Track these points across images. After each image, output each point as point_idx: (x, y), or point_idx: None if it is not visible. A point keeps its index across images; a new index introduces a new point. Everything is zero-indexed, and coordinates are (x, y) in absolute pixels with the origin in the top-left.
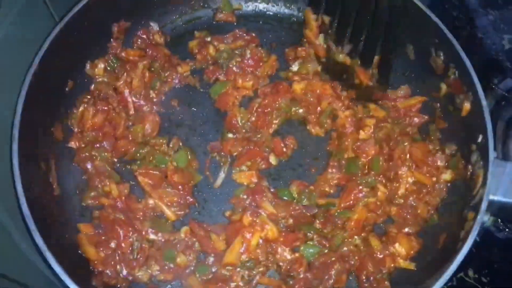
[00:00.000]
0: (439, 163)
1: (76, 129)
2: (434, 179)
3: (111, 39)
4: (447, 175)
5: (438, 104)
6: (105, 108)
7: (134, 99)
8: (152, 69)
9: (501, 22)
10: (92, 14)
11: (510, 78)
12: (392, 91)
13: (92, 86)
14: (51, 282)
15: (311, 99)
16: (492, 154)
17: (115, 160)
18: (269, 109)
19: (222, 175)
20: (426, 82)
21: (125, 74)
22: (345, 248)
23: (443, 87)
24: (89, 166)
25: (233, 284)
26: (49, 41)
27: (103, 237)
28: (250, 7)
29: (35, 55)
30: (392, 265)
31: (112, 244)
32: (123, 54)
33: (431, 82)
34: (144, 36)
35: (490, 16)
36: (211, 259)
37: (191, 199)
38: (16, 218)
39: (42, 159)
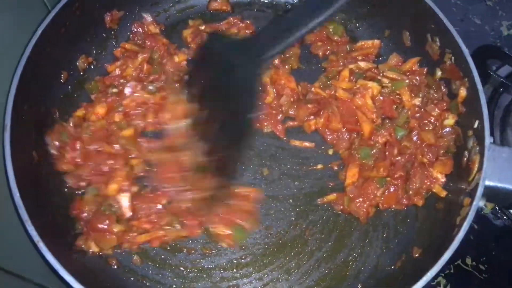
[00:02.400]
0: (433, 113)
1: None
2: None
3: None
4: (449, 120)
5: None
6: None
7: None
8: (152, 59)
9: (500, 8)
10: (85, 3)
11: (508, 64)
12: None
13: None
14: (47, 273)
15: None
16: (488, 139)
17: None
18: None
19: None
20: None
21: (120, 61)
22: None
23: (438, 72)
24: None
25: None
26: (41, 30)
27: None
28: None
29: (27, 44)
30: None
31: None
32: (118, 50)
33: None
34: (140, 30)
35: (488, 2)
36: None
37: None
38: (10, 208)
39: (35, 149)
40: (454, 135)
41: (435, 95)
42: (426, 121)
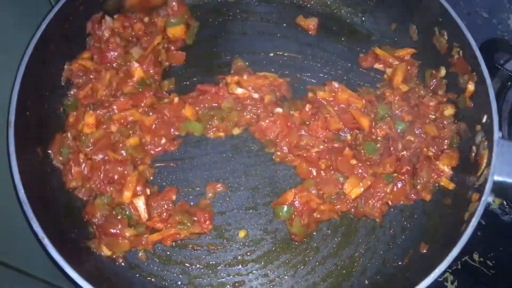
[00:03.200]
0: (431, 103)
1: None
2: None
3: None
4: (449, 110)
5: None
6: None
7: None
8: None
9: (507, 2)
10: None
11: None
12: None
13: None
14: (52, 270)
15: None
16: (497, 134)
17: None
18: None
19: None
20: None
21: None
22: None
23: (442, 71)
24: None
25: None
26: (44, 25)
27: None
28: None
29: (31, 39)
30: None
31: None
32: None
33: (436, 63)
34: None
35: None
36: None
37: None
38: (15, 204)
39: (39, 145)
40: (455, 125)
41: (422, 92)
42: (426, 114)
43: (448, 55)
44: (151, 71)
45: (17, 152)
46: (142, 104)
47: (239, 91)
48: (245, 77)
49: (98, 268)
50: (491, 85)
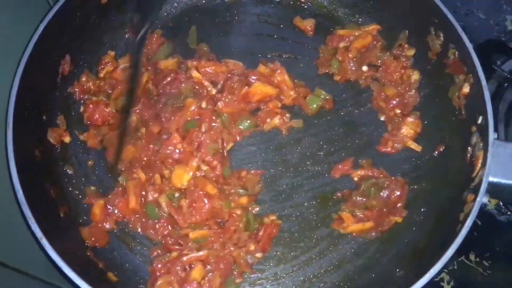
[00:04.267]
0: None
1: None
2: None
3: None
4: (415, 75)
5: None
6: None
7: None
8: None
9: (504, 3)
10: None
11: None
12: None
13: None
14: (51, 270)
15: None
16: (492, 135)
17: None
18: None
19: None
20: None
21: None
22: None
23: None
24: None
25: None
26: (43, 26)
27: None
28: None
29: (29, 40)
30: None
31: None
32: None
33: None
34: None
35: None
36: None
37: None
38: (14, 205)
39: (38, 147)
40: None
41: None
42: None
43: (444, 56)
44: (146, 116)
45: (16, 154)
46: None
47: (196, 74)
48: (202, 62)
49: (96, 268)
50: (486, 86)
